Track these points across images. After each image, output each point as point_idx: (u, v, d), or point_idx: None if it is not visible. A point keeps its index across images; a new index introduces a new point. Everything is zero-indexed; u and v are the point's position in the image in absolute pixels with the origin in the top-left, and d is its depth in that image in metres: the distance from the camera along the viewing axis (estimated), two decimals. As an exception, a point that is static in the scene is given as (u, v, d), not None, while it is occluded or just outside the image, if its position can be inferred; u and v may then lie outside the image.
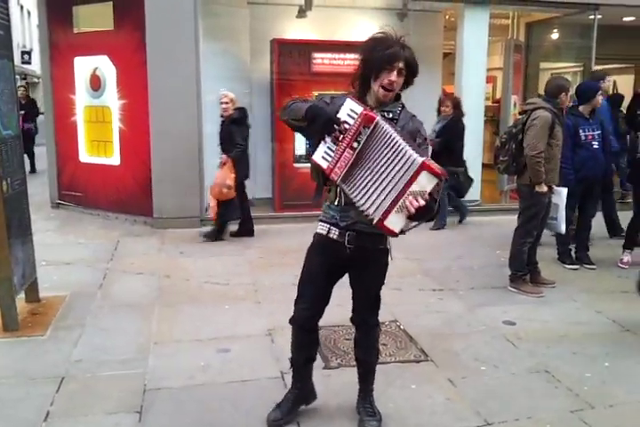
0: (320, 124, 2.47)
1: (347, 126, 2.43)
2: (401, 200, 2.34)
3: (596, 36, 8.39)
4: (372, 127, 2.38)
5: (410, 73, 2.56)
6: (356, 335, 2.96)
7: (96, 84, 7.51)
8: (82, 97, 7.71)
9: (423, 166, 2.29)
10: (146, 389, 3.24)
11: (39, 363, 3.54)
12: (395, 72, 2.52)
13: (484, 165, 8.22)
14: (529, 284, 4.94)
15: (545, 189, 4.70)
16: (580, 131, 5.25)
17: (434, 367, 3.56)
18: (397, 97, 2.64)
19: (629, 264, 5.53)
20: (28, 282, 4.36)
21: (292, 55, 7.52)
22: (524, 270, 4.93)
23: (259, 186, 8.03)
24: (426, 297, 4.77)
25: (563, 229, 5.01)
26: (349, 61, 7.53)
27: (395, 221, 2.37)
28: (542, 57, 10.29)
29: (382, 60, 2.53)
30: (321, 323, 4.11)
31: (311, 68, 7.51)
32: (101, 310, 4.42)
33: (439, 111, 7.18)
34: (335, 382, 3.34)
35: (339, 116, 2.45)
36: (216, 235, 6.45)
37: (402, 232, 2.43)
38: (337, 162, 2.45)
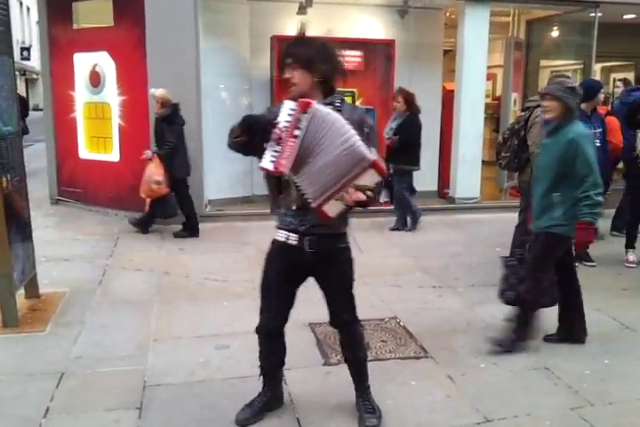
0: (258, 131, 2.43)
1: (288, 122, 2.39)
2: (343, 191, 2.38)
3: (596, 33, 8.38)
4: (310, 112, 2.36)
5: (308, 66, 2.54)
6: (339, 337, 2.93)
7: (96, 80, 7.49)
8: (81, 93, 7.69)
9: (373, 165, 2.35)
10: (145, 385, 3.24)
11: (39, 359, 3.54)
12: (286, 69, 2.58)
13: (483, 162, 8.22)
14: None
15: None
16: None
17: (433, 364, 3.56)
18: (332, 91, 2.61)
19: (636, 263, 5.52)
20: (28, 278, 4.35)
21: (292, 52, 7.49)
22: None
23: (259, 183, 8.02)
24: (425, 294, 4.77)
25: None
26: (350, 58, 7.52)
27: (332, 208, 2.43)
28: (542, 54, 10.27)
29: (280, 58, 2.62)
30: (322, 320, 4.11)
31: (311, 64, 7.48)
32: (101, 306, 4.41)
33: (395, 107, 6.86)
34: (335, 379, 3.33)
35: (279, 119, 2.41)
36: (141, 226, 6.55)
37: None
38: (282, 154, 2.39)
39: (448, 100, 8.23)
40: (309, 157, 2.39)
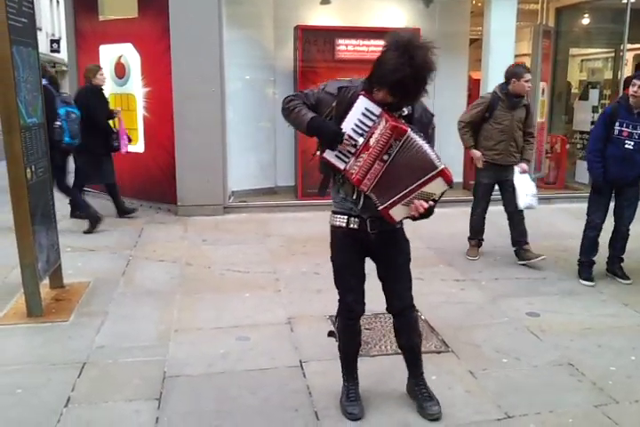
0: (326, 140, 2.56)
1: (365, 126, 2.49)
2: (410, 197, 2.50)
3: (628, 20, 8.16)
4: (402, 140, 2.45)
5: (404, 91, 2.40)
6: (397, 324, 2.95)
7: (121, 71, 7.55)
8: (107, 85, 7.70)
9: (441, 173, 2.44)
10: (166, 376, 3.26)
11: (62, 349, 3.58)
12: (387, 93, 2.44)
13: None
14: (472, 248, 5.54)
15: (476, 154, 5.26)
16: (617, 123, 4.55)
17: (455, 359, 3.52)
18: None
19: None
20: (52, 268, 4.41)
21: (316, 42, 7.44)
22: (472, 236, 5.56)
23: (282, 174, 8.03)
24: (448, 287, 4.72)
25: (519, 204, 5.19)
26: (374, 48, 7.42)
27: (397, 212, 2.56)
28: (572, 43, 10.04)
29: (382, 78, 2.41)
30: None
31: (335, 54, 7.43)
32: (124, 296, 4.45)
33: None
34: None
35: (350, 114, 2.50)
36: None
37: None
38: (366, 173, 2.52)
39: (474, 89, 8.10)
40: (389, 177, 2.51)
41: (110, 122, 6.73)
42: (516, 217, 5.32)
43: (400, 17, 8.17)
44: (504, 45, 7.61)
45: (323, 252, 5.49)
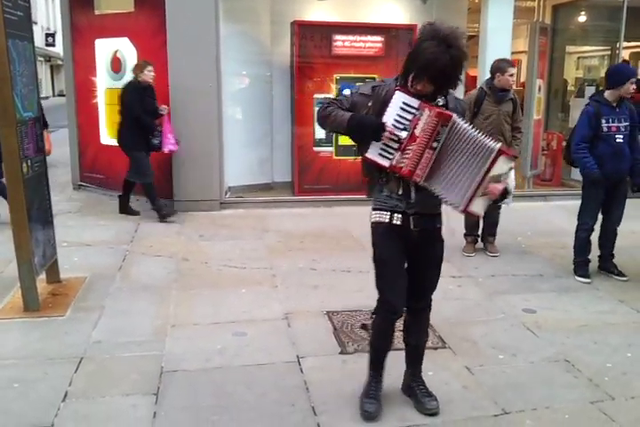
0: (368, 135, 2.55)
1: (405, 120, 2.49)
2: (482, 186, 2.51)
3: (625, 18, 8.17)
4: (449, 125, 2.48)
5: (445, 78, 2.47)
6: (409, 321, 2.94)
7: (117, 66, 7.50)
8: (103, 79, 7.71)
9: (500, 152, 2.48)
10: (162, 371, 3.26)
11: (58, 343, 3.58)
12: (427, 83, 2.48)
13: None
14: (468, 245, 5.59)
15: None
16: (603, 121, 4.65)
17: (451, 355, 3.53)
18: None
19: None
20: (49, 263, 4.40)
21: (312, 38, 7.41)
22: (467, 232, 5.62)
23: (279, 170, 8.01)
24: (445, 284, 4.67)
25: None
26: (371, 44, 7.42)
27: (478, 205, 2.57)
28: (569, 40, 10.05)
29: (422, 68, 2.45)
30: (339, 308, 4.11)
31: (332, 50, 7.41)
32: (120, 291, 4.45)
33: None
34: (351, 368, 3.31)
35: (389, 114, 2.50)
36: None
37: None
38: (417, 164, 2.52)
39: (471, 86, 8.09)
40: (440, 166, 2.53)
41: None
42: (490, 210, 5.52)
43: (397, 13, 8.15)
44: (501, 42, 7.59)
45: (320, 248, 5.56)
